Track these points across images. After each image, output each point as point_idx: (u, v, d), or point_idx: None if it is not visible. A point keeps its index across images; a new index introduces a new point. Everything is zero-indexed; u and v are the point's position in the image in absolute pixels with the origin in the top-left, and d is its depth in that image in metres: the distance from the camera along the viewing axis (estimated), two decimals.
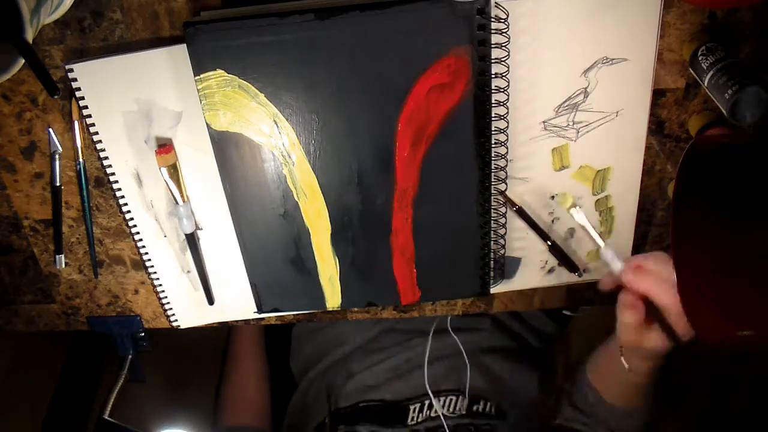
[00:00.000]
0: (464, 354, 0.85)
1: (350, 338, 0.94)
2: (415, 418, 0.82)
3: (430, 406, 0.81)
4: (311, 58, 0.58)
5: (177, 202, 0.67)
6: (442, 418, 0.80)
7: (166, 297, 0.75)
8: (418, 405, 0.82)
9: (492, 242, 0.69)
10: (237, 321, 0.78)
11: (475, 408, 0.82)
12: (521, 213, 0.68)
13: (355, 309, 0.77)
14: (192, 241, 0.69)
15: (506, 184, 0.66)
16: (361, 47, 0.57)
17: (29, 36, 0.46)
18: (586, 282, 0.75)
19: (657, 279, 0.61)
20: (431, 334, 0.88)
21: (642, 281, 0.62)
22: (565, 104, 0.63)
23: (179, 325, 0.78)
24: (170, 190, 0.66)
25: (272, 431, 0.97)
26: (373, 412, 0.83)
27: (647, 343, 0.63)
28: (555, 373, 0.89)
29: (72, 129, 0.65)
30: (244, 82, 0.59)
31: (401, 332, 0.92)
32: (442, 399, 0.83)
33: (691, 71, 0.60)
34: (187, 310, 0.76)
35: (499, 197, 0.67)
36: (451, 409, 0.82)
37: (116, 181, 0.67)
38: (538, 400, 0.85)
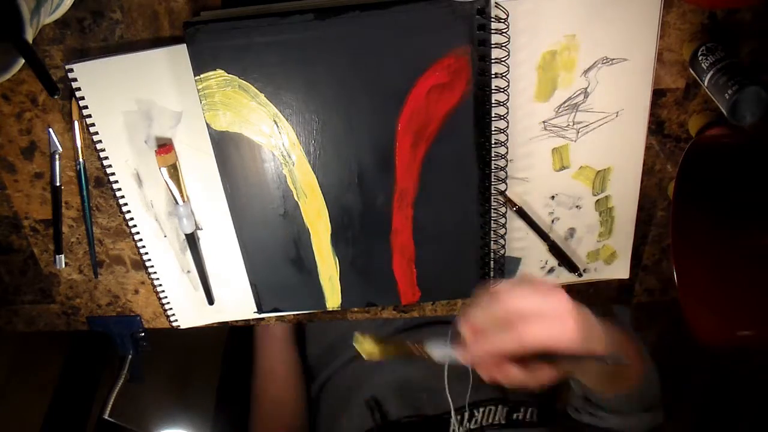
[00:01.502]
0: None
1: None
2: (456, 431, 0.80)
3: (470, 417, 0.79)
4: (311, 58, 0.58)
5: (177, 202, 0.67)
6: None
7: (166, 297, 0.75)
8: (459, 417, 0.80)
9: (492, 242, 0.69)
10: (237, 321, 0.78)
11: (515, 416, 0.80)
12: (521, 213, 0.68)
13: (355, 309, 0.77)
14: (192, 241, 0.69)
15: (506, 184, 0.66)
16: (361, 47, 0.57)
17: (29, 36, 0.46)
18: (586, 282, 0.75)
19: (494, 338, 0.53)
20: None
21: (487, 346, 0.53)
22: (565, 104, 0.63)
23: (179, 325, 0.78)
24: (170, 190, 0.66)
25: None
26: (414, 427, 0.80)
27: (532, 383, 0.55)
28: None
29: (72, 129, 0.65)
30: (244, 82, 0.59)
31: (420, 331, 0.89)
32: (482, 410, 0.80)
33: (691, 71, 0.60)
34: (187, 310, 0.76)
35: (499, 197, 0.67)
36: (490, 420, 0.80)
37: (116, 181, 0.67)
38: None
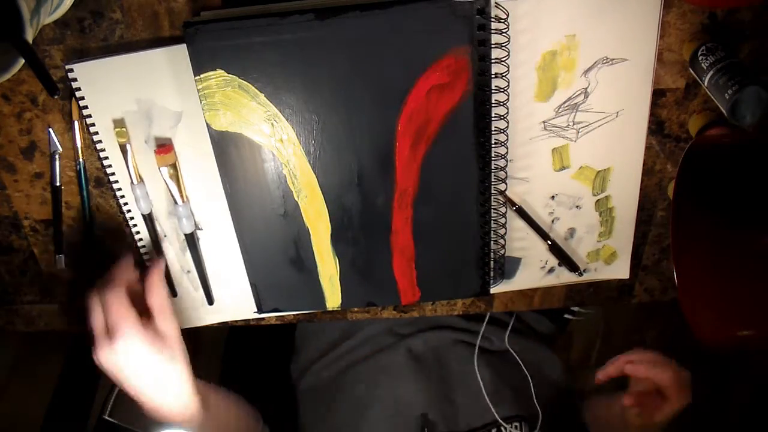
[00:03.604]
0: (525, 371, 0.83)
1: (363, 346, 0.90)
2: None
3: None
4: (311, 58, 0.58)
5: (177, 202, 0.67)
6: None
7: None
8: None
9: (492, 242, 0.69)
10: (237, 321, 0.78)
11: None
12: (521, 213, 0.68)
13: (355, 309, 0.77)
14: (192, 241, 0.69)
15: (506, 184, 0.66)
16: (361, 47, 0.57)
17: (29, 36, 0.46)
18: (586, 281, 0.75)
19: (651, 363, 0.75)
20: (476, 351, 0.84)
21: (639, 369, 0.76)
22: (565, 104, 0.63)
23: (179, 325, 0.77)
24: (170, 190, 0.66)
25: None
26: None
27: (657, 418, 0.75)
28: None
29: (72, 129, 0.65)
30: (244, 82, 0.59)
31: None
32: (508, 426, 0.78)
33: (691, 71, 0.60)
34: (187, 310, 0.76)
35: (499, 197, 0.67)
36: None
37: (116, 181, 0.67)
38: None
